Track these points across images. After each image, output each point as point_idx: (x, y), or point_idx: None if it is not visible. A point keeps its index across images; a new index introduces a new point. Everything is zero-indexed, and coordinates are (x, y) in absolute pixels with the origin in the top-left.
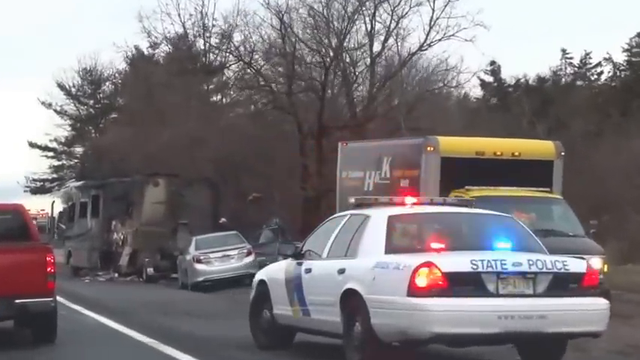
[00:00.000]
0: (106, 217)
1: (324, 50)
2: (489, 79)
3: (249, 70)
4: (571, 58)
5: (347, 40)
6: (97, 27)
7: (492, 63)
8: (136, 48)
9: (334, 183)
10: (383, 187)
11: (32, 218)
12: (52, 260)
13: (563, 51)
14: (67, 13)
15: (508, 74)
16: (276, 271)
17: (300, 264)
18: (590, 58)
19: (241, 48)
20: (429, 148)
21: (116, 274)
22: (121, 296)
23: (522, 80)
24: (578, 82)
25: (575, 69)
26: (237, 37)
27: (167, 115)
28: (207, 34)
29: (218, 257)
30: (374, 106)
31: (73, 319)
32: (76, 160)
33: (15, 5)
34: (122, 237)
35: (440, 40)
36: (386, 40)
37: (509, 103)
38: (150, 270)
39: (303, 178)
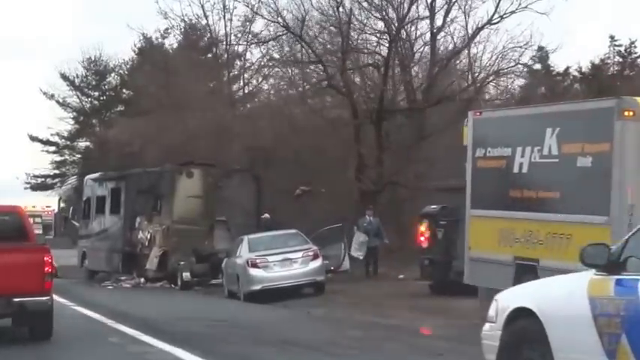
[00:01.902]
0: (129, 214)
1: (387, 17)
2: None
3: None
4: (619, 45)
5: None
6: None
7: (540, 49)
8: (144, 36)
9: (395, 174)
10: (548, 167)
11: (37, 215)
12: (50, 260)
13: (612, 38)
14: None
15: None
16: (560, 297)
17: (629, 284)
18: (634, 47)
19: (287, 16)
20: (626, 113)
21: (142, 280)
22: (165, 309)
23: (574, 68)
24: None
25: (624, 57)
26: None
27: (189, 102)
28: (229, 16)
29: (278, 261)
30: (437, 86)
31: (119, 344)
32: (79, 155)
33: None
34: (149, 236)
35: (513, 12)
36: (447, 13)
37: (559, 92)
38: (186, 275)
39: (359, 169)
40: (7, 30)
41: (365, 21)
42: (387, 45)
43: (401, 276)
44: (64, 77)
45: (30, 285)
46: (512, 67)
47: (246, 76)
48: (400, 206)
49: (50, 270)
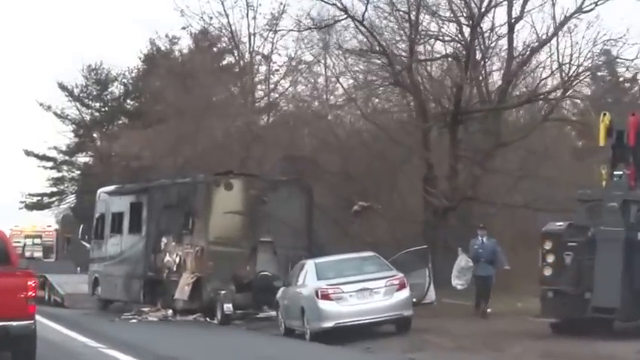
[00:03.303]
0: (153, 233)
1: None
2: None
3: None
4: None
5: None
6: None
7: (605, 52)
8: (152, 43)
9: (471, 187)
10: None
11: (37, 236)
12: (34, 285)
13: None
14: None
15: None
16: None
17: None
18: None
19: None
20: None
21: (170, 312)
22: (215, 351)
23: None
24: None
25: None
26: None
27: (212, 108)
28: (252, 15)
29: (355, 291)
30: (516, 85)
31: None
32: (78, 172)
33: None
34: (178, 260)
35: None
36: (526, 1)
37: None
38: (227, 307)
39: (427, 182)
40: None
41: (438, 5)
42: (469, 31)
43: (489, 309)
44: (62, 87)
45: (13, 309)
46: (606, 63)
47: (275, 78)
48: (473, 225)
49: (34, 294)
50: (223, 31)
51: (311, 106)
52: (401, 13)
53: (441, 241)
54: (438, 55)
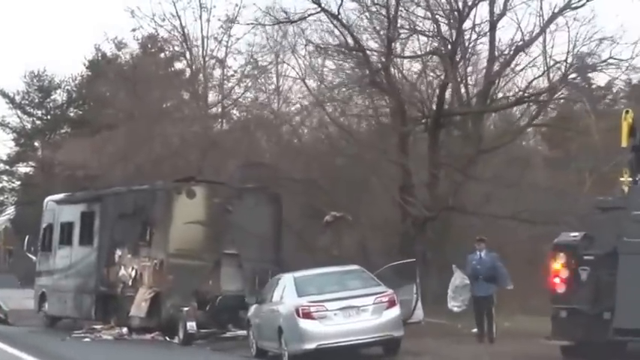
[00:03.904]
0: (106, 244)
1: None
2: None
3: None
4: None
5: None
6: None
7: (579, 57)
8: (97, 49)
9: (453, 196)
10: None
11: None
12: None
13: None
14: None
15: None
16: None
17: None
18: None
19: None
20: None
21: (125, 330)
22: None
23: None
24: None
25: None
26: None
27: (166, 114)
28: (206, 17)
29: (339, 309)
30: (499, 85)
31: None
32: (18, 182)
33: None
34: (134, 273)
35: None
36: None
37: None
38: (191, 325)
39: (405, 191)
40: None
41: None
42: (456, 26)
43: (474, 330)
44: (2, 94)
45: None
46: (600, 62)
47: (230, 83)
48: (453, 237)
49: None
50: (175, 33)
51: (271, 110)
52: (378, 6)
53: (420, 254)
54: (420, 53)
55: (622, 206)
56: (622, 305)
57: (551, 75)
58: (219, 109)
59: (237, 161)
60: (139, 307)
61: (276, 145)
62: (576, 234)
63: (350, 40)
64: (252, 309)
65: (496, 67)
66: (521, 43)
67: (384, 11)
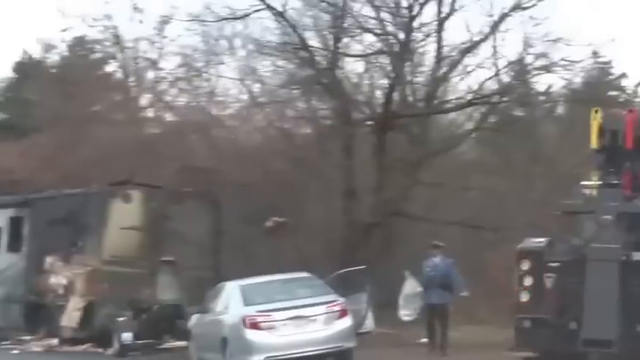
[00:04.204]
0: (36, 251)
1: None
2: None
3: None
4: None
5: None
6: None
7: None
8: (24, 52)
9: (401, 201)
10: None
11: None
12: None
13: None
14: None
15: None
16: None
17: None
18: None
19: None
20: None
21: (56, 341)
22: None
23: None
24: None
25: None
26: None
27: (98, 116)
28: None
29: (289, 319)
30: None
31: None
32: None
33: None
34: (65, 281)
35: None
36: None
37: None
38: (126, 336)
39: (349, 195)
40: None
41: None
42: (408, 24)
43: (424, 339)
44: None
45: None
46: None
47: (163, 85)
48: (399, 243)
49: None
50: (107, 34)
51: (207, 113)
52: (326, 4)
53: (363, 262)
54: (367, 52)
55: (590, 210)
56: (590, 315)
57: (501, 77)
58: (152, 113)
59: (172, 165)
60: (70, 317)
61: (212, 149)
62: (541, 239)
63: (295, 39)
64: (194, 319)
65: (444, 68)
66: (469, 44)
67: (331, 9)
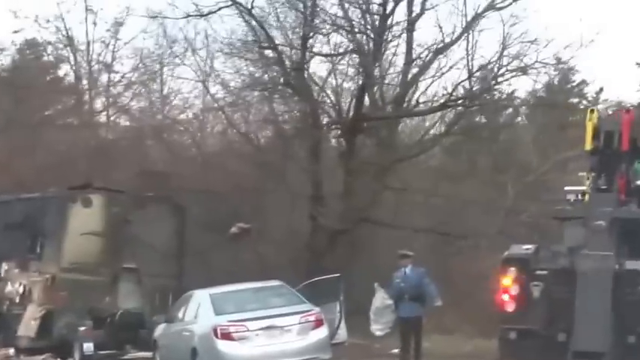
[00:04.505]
0: None
1: None
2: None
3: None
4: None
5: None
6: None
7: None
8: None
9: (370, 207)
10: None
11: None
12: None
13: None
14: None
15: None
16: None
17: None
18: None
19: None
20: None
21: (12, 351)
22: None
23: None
24: None
25: None
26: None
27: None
28: (92, 20)
29: (262, 330)
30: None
31: None
32: None
33: None
34: (22, 289)
35: None
36: None
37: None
38: (88, 346)
39: (316, 201)
40: None
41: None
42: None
43: (395, 350)
44: None
45: None
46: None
47: (117, 88)
48: (367, 251)
49: None
50: (60, 37)
51: (164, 116)
52: (295, 1)
53: (330, 270)
54: (337, 52)
55: (581, 216)
56: (581, 325)
57: (473, 80)
58: (106, 116)
59: (129, 170)
60: (27, 327)
61: (169, 153)
62: (528, 246)
63: (263, 37)
64: (160, 329)
65: (415, 69)
66: (441, 45)
67: (300, 6)
